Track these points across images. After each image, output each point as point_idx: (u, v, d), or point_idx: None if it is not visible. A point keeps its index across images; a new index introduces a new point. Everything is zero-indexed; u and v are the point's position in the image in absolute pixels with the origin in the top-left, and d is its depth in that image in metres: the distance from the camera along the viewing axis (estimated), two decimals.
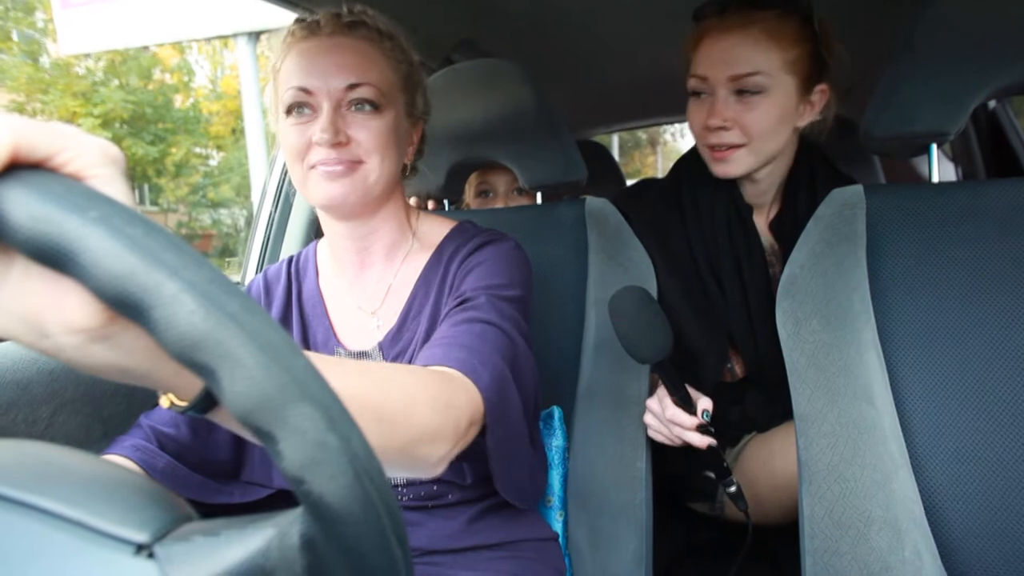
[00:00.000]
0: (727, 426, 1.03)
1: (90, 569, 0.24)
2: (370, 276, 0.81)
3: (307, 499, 0.23)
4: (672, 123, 2.75)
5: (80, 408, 0.80)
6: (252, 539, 0.25)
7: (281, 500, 0.77)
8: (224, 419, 0.34)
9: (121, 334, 0.28)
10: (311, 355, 0.42)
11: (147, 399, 0.88)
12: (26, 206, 0.24)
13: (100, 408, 0.82)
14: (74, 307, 0.27)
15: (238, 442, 0.78)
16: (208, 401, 0.32)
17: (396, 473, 0.67)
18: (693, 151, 1.06)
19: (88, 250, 0.24)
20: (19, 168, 0.25)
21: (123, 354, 0.29)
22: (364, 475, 0.23)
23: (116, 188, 0.28)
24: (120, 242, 0.24)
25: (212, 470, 0.77)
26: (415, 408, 0.48)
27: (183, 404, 0.33)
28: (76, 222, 0.24)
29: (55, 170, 0.26)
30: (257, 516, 0.26)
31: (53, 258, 0.24)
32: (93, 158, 0.27)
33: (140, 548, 0.24)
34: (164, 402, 0.34)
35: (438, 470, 0.53)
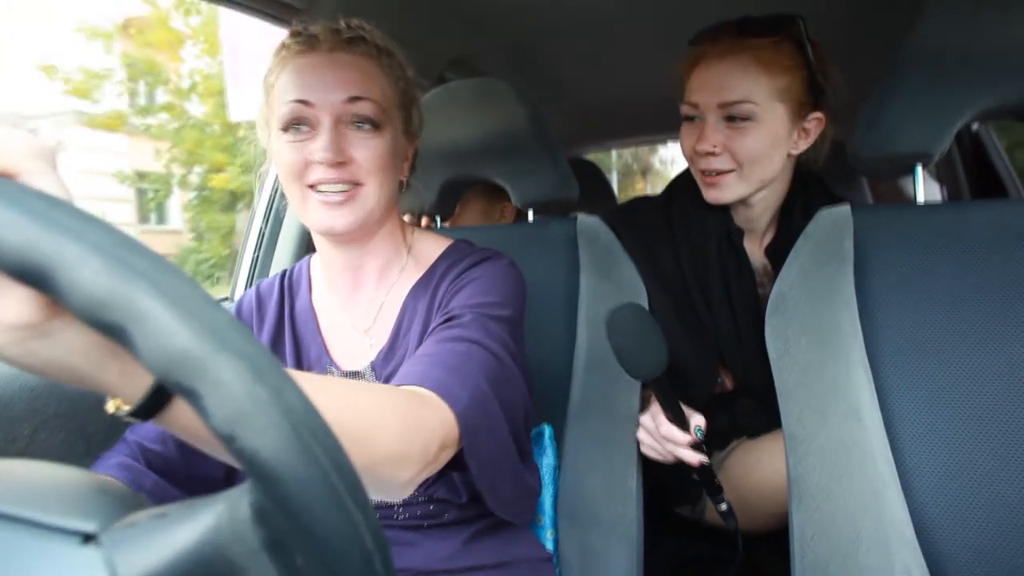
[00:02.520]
0: (717, 433, 1.03)
1: (35, 562, 0.23)
2: (363, 294, 0.81)
3: (242, 458, 0.22)
4: (664, 141, 2.78)
5: (63, 425, 0.79)
6: (202, 517, 0.24)
7: None
8: (174, 426, 0.33)
9: (61, 330, 0.28)
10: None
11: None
12: None
13: (83, 425, 0.81)
14: (9, 303, 0.27)
15: None
16: (155, 405, 0.30)
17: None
18: (688, 172, 1.07)
19: None
20: None
21: (64, 351, 0.29)
22: (303, 429, 0.22)
23: (48, 182, 0.27)
24: (18, 212, 0.23)
25: (200, 486, 0.74)
26: (379, 428, 0.47)
27: (128, 408, 0.31)
28: None
29: None
30: (210, 495, 0.25)
31: None
32: (21, 154, 0.27)
33: (87, 538, 0.24)
34: (110, 407, 0.33)
35: (405, 493, 0.51)
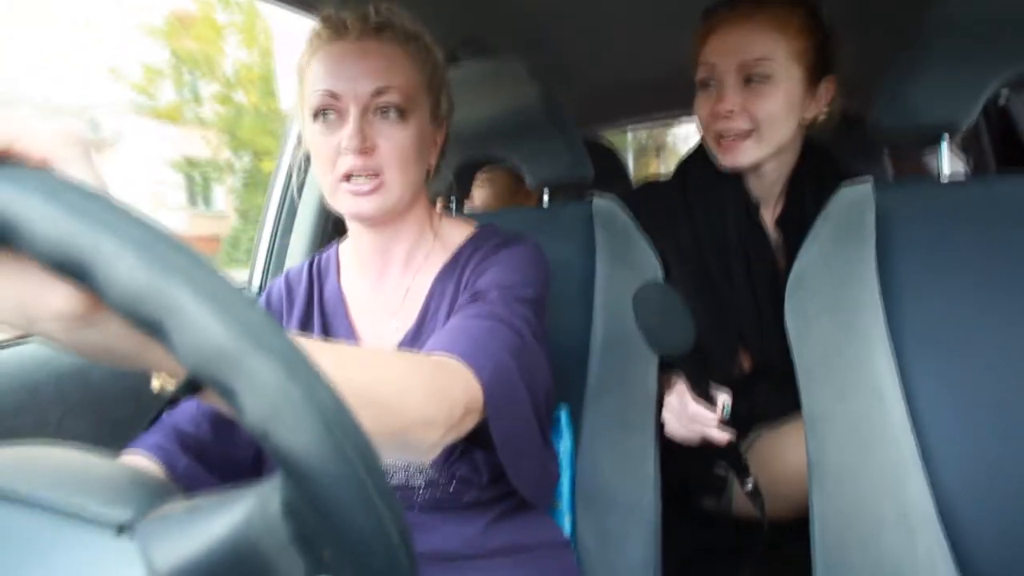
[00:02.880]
0: (736, 419, 1.03)
1: (70, 551, 0.23)
2: (391, 278, 0.82)
3: (276, 455, 0.22)
4: (679, 119, 2.73)
5: (89, 411, 0.80)
6: (233, 510, 0.24)
7: None
8: (218, 402, 0.33)
9: (106, 320, 0.29)
10: (304, 338, 0.42)
11: (156, 401, 0.88)
12: None
13: (109, 411, 0.82)
14: (56, 295, 0.27)
15: None
16: (198, 382, 0.31)
17: (390, 457, 0.67)
18: (697, 150, 1.06)
19: (27, 219, 0.23)
20: None
21: (110, 338, 0.29)
22: (335, 427, 0.22)
23: (82, 170, 0.28)
24: (56, 206, 0.24)
25: (233, 469, 0.76)
26: (408, 394, 0.48)
27: (173, 384, 0.32)
28: (12, 192, 0.24)
29: (19, 157, 0.26)
30: (241, 488, 0.25)
31: None
32: (54, 142, 0.27)
33: (122, 528, 0.24)
34: (156, 384, 0.33)
35: (431, 455, 0.53)
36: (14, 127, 0.26)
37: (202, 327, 0.22)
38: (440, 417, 0.52)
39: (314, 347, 0.44)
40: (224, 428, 0.74)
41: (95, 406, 0.81)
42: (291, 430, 0.22)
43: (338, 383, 0.42)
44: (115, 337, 0.29)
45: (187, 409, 0.75)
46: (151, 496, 0.26)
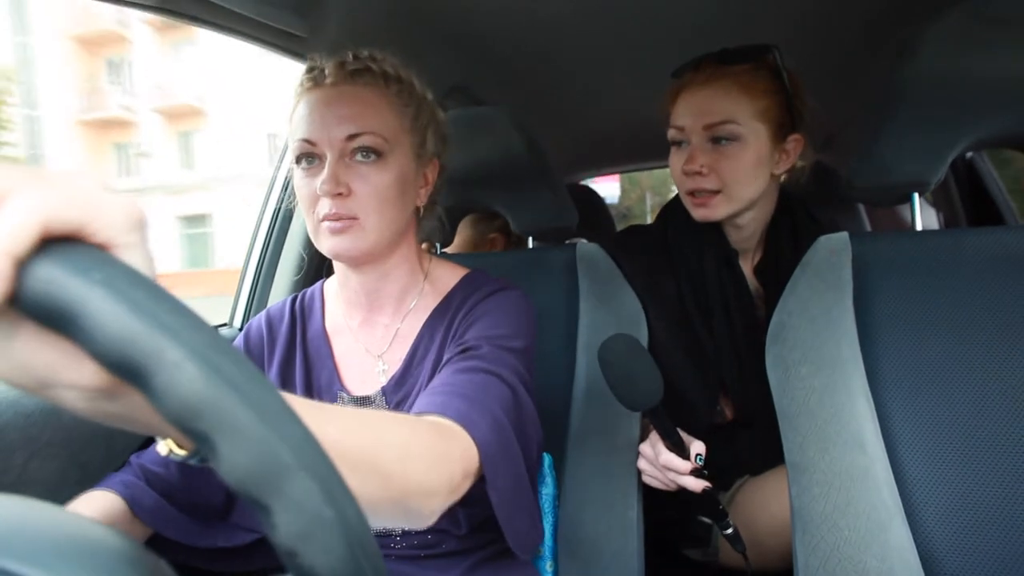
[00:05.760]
0: (719, 470, 1.02)
1: None
2: (379, 320, 0.81)
3: (299, 571, 0.22)
4: (661, 168, 2.80)
5: (56, 453, 0.78)
6: None
7: (265, 545, 0.75)
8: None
9: (130, 393, 0.28)
10: (309, 404, 0.42)
11: (127, 443, 0.86)
12: (34, 269, 0.24)
13: (77, 453, 0.80)
14: (85, 370, 0.27)
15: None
16: None
17: (389, 524, 0.66)
18: (679, 198, 1.08)
19: (90, 314, 0.23)
20: (50, 242, 0.25)
21: (131, 409, 0.29)
22: (357, 547, 0.23)
23: (139, 255, 0.27)
24: (123, 305, 0.23)
25: (200, 510, 0.75)
26: (410, 462, 0.48)
27: (183, 452, 0.32)
28: (79, 283, 0.23)
29: (83, 240, 0.26)
30: None
31: (56, 320, 0.24)
32: (119, 227, 0.27)
33: None
34: (162, 449, 0.33)
35: (430, 522, 0.52)
36: (90, 211, 0.26)
37: (251, 448, 0.23)
38: (442, 486, 0.51)
39: (323, 412, 0.43)
40: (192, 471, 0.73)
41: (63, 448, 0.78)
42: (319, 552, 0.22)
43: (346, 450, 0.42)
44: (136, 408, 0.29)
45: (155, 450, 0.74)
46: None
